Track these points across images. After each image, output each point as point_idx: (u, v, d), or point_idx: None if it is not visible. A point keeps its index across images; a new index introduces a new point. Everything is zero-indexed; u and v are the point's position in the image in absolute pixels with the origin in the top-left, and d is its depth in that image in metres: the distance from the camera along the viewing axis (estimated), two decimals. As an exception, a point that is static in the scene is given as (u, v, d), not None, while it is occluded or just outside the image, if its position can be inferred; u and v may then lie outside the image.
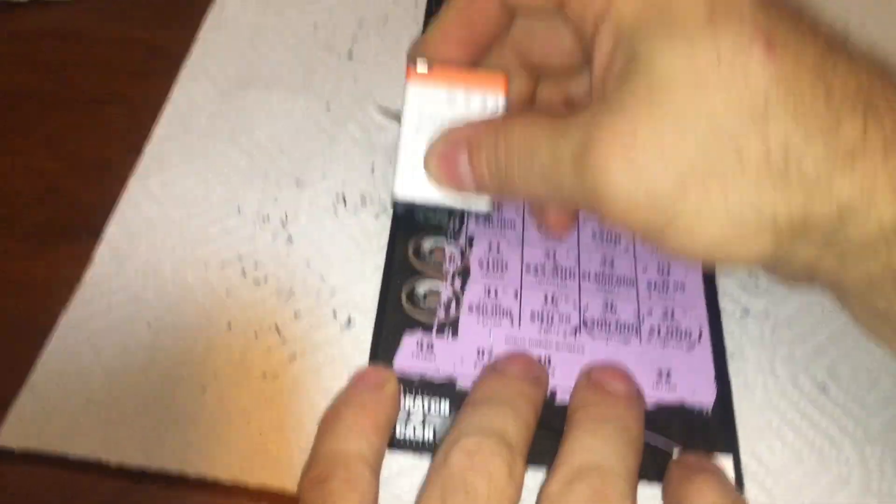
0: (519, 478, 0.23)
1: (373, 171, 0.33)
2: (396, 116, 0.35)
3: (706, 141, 0.19)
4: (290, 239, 0.31)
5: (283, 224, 0.32)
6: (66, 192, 0.33)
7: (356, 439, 0.24)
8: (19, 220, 0.32)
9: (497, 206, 0.31)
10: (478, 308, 0.29)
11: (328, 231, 0.31)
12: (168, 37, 0.39)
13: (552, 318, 0.29)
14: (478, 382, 0.26)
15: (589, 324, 0.29)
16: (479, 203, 0.28)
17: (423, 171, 0.27)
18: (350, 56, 0.38)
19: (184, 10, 0.40)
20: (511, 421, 0.24)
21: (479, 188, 0.26)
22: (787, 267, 0.22)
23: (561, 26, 0.26)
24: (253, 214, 0.32)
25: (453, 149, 0.26)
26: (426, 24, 0.39)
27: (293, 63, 0.37)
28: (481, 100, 0.27)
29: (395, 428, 0.26)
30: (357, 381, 0.26)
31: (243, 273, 0.30)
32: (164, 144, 0.34)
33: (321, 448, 0.24)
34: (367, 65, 0.37)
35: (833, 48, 0.20)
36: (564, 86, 0.29)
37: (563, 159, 0.22)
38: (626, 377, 0.26)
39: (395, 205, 0.31)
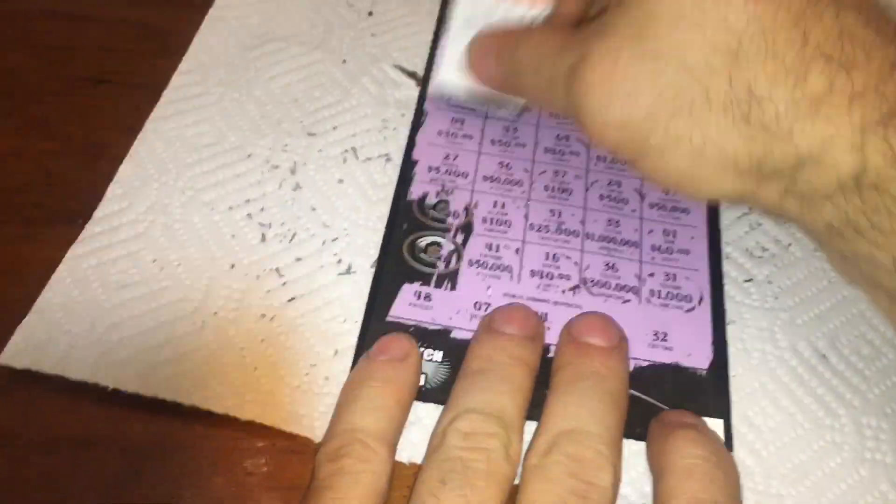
0: (516, 456, 0.23)
1: (384, 125, 0.34)
2: (412, 74, 0.35)
3: (678, 77, 0.20)
4: (297, 186, 0.31)
5: (292, 172, 0.32)
6: (59, 175, 0.33)
7: (375, 415, 0.24)
8: (12, 203, 0.32)
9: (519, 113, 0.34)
10: (478, 262, 0.29)
11: (336, 180, 0.32)
12: (163, 17, 0.38)
13: (552, 276, 0.29)
14: (473, 346, 0.26)
15: (588, 282, 0.29)
16: (508, 107, 0.32)
17: (460, 69, 0.30)
18: (371, 13, 0.38)
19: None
20: (507, 395, 0.24)
21: (501, 88, 0.29)
22: (754, 205, 0.22)
23: None
24: (262, 161, 0.32)
25: (483, 53, 0.28)
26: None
27: (313, 18, 0.38)
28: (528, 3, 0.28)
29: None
30: (380, 350, 0.26)
31: (249, 217, 0.31)
32: (180, 91, 0.34)
33: (339, 422, 0.24)
34: (387, 23, 0.38)
35: None
36: None
37: (559, 76, 0.23)
38: (605, 327, 0.26)
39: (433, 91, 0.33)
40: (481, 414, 0.23)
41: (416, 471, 0.25)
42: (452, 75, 0.29)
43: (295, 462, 0.26)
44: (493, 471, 0.22)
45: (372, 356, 0.26)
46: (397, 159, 0.32)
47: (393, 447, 0.24)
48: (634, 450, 0.25)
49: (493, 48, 0.28)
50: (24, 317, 0.28)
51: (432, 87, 0.31)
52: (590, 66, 0.22)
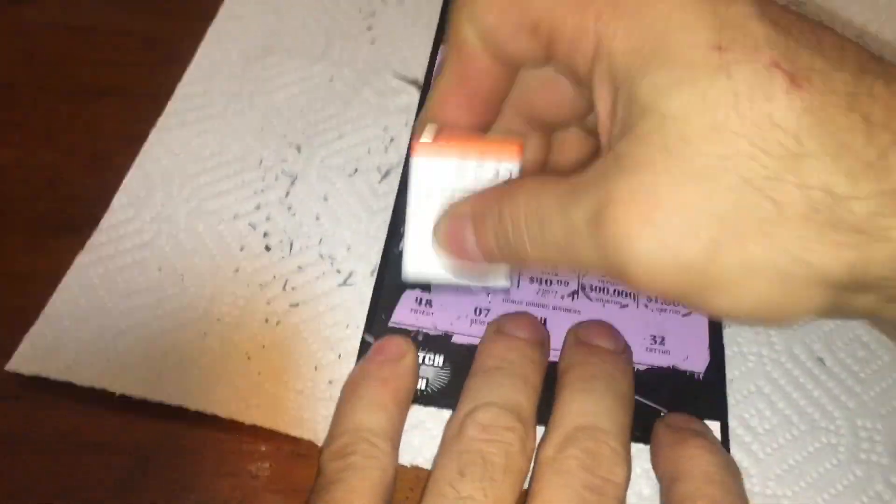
0: (530, 451, 0.23)
1: (385, 134, 0.34)
2: (413, 81, 0.36)
3: (736, 194, 0.17)
4: (300, 196, 0.32)
5: (294, 181, 0.32)
6: (64, 185, 0.33)
7: (377, 414, 0.24)
8: (18, 213, 0.32)
9: (515, 279, 0.30)
10: (479, 269, 0.30)
11: (338, 190, 0.32)
12: (165, 28, 0.39)
13: (551, 282, 0.29)
14: (485, 346, 0.26)
15: (587, 288, 0.29)
16: (496, 279, 0.26)
17: (431, 247, 0.25)
18: (370, 26, 0.39)
19: (183, 2, 0.40)
20: (522, 392, 0.24)
21: (491, 261, 0.24)
22: (843, 315, 0.20)
23: (560, 75, 0.23)
24: (266, 171, 0.33)
25: (458, 225, 0.24)
26: (447, -3, 0.40)
27: (314, 30, 0.38)
28: (494, 169, 0.24)
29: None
30: (376, 352, 0.26)
31: (253, 226, 0.31)
32: (184, 102, 0.35)
33: (343, 421, 0.24)
34: (387, 34, 0.38)
35: (864, 67, 0.17)
36: (580, 138, 0.27)
37: (578, 228, 0.19)
38: (611, 333, 0.26)
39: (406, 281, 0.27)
40: (499, 407, 0.23)
41: (417, 473, 0.25)
42: (421, 262, 0.25)
43: (299, 465, 0.26)
44: (510, 465, 0.22)
45: (369, 358, 0.26)
46: (399, 167, 0.33)
47: (396, 444, 0.24)
48: (632, 451, 0.25)
49: (470, 216, 0.23)
50: (31, 325, 0.28)
51: (404, 279, 0.26)
52: (621, 205, 0.18)
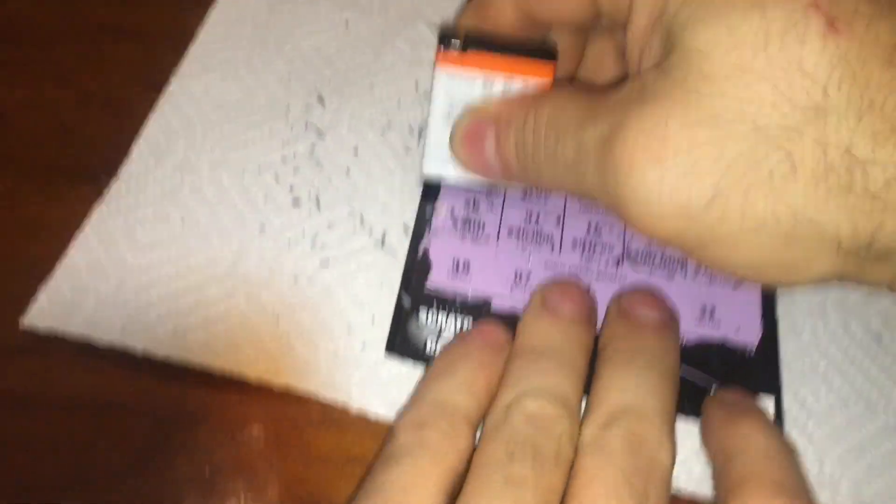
0: (576, 441, 0.22)
1: (417, 87, 0.32)
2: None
3: (749, 143, 0.16)
4: (328, 149, 0.30)
5: (323, 135, 0.31)
6: (78, 130, 0.31)
7: (467, 396, 0.23)
8: (30, 158, 0.30)
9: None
10: (518, 232, 0.28)
11: (369, 144, 0.31)
12: None
13: (594, 247, 0.28)
14: (528, 322, 0.25)
15: (633, 254, 0.28)
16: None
17: (448, 158, 0.25)
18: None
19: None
20: (569, 379, 0.23)
21: (505, 175, 0.23)
22: (857, 283, 0.19)
23: None
24: (293, 122, 0.31)
25: (480, 127, 0.23)
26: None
27: (344, -26, 0.36)
28: (522, 86, 0.23)
29: (425, 343, 0.26)
30: (478, 334, 0.25)
31: (279, 178, 0.29)
32: (207, 47, 0.33)
33: (429, 393, 0.23)
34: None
35: None
36: (614, 57, 0.25)
37: (587, 149, 0.19)
38: (657, 302, 0.25)
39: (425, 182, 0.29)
40: (546, 397, 0.22)
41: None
42: (440, 170, 0.25)
43: (329, 433, 0.25)
44: (560, 455, 0.21)
45: (471, 338, 0.25)
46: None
47: (476, 431, 0.23)
48: (682, 428, 0.24)
49: (493, 120, 0.22)
50: (46, 278, 0.27)
51: (424, 175, 0.27)
52: (630, 136, 0.17)
